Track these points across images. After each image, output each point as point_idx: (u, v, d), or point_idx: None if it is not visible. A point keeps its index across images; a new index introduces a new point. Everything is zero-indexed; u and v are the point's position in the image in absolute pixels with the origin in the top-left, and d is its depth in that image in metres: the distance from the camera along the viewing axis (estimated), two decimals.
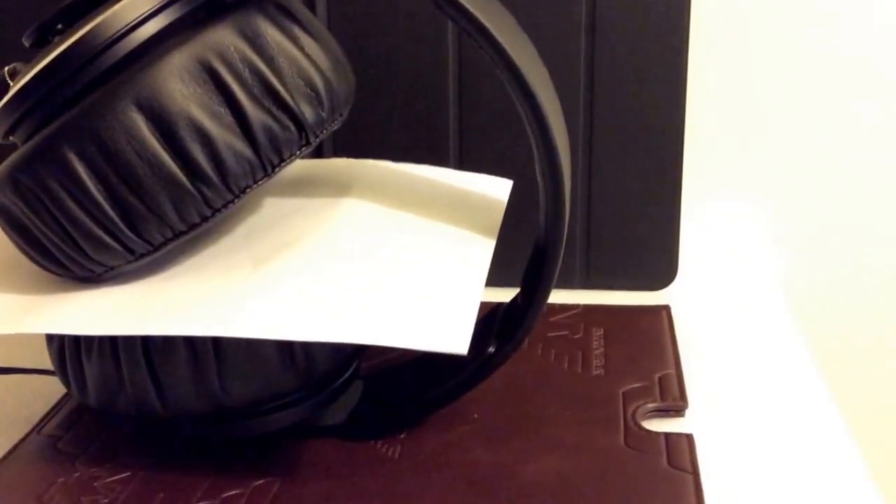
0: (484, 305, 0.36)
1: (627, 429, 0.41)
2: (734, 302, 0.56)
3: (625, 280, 0.58)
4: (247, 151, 0.35)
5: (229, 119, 0.35)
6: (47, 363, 0.40)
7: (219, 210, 0.36)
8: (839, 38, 0.61)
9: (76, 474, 0.39)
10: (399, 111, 0.56)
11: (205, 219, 0.36)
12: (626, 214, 0.57)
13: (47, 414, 0.44)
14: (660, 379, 0.45)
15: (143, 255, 0.36)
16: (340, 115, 0.38)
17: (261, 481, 0.38)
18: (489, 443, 0.40)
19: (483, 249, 0.38)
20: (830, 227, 0.65)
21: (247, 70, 0.35)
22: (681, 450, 0.39)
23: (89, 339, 0.38)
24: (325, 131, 0.37)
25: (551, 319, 0.52)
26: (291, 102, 0.35)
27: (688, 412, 0.43)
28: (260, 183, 0.36)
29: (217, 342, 0.37)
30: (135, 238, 0.35)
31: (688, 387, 0.44)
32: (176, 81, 0.34)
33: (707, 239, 0.64)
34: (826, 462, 0.40)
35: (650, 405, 0.43)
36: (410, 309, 0.35)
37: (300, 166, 0.44)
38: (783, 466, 0.40)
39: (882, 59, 0.61)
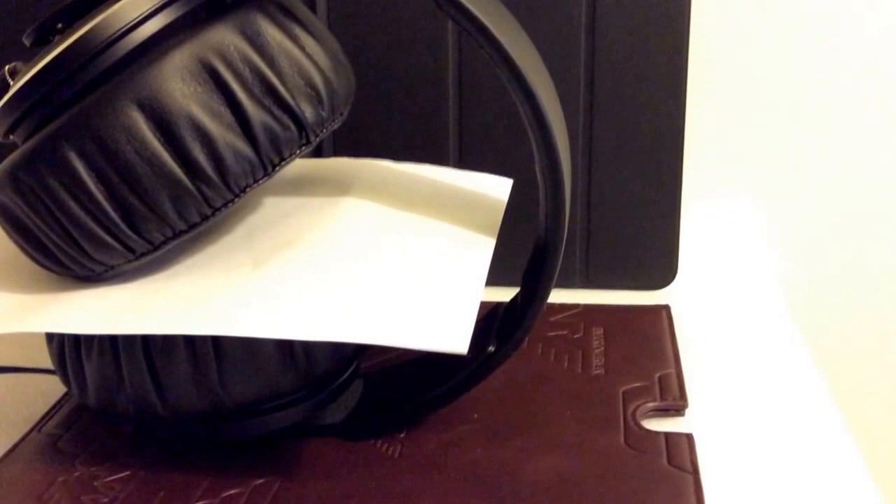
0: (484, 305, 0.36)
1: (627, 428, 0.41)
2: (734, 301, 0.56)
3: (625, 280, 0.58)
4: (247, 151, 0.35)
5: (229, 118, 0.35)
6: (47, 362, 0.41)
7: (219, 209, 0.36)
8: (839, 38, 0.61)
9: (76, 473, 0.39)
10: (399, 111, 0.56)
11: (205, 218, 0.36)
12: (625, 214, 0.57)
13: (47, 413, 0.44)
14: (660, 378, 0.45)
15: (143, 255, 0.36)
16: (341, 115, 0.38)
17: (261, 480, 0.38)
18: (489, 442, 0.40)
19: (483, 249, 0.38)
20: (830, 226, 0.65)
21: (247, 69, 0.35)
22: (681, 449, 0.39)
23: (89, 338, 0.38)
24: (325, 130, 0.37)
25: (551, 319, 0.52)
26: (292, 102, 0.36)
27: (688, 412, 0.43)
28: (260, 182, 0.36)
29: (217, 341, 0.37)
30: (135, 237, 0.35)
31: (688, 386, 0.44)
32: (176, 81, 0.34)
33: (707, 239, 0.64)
34: (826, 461, 0.40)
35: (650, 405, 0.43)
36: (411, 308, 0.35)
37: (300, 166, 0.44)
38: (783, 466, 0.40)
39: (881, 58, 0.61)
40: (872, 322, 0.66)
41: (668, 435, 0.40)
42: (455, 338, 0.33)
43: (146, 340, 0.37)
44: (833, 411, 0.44)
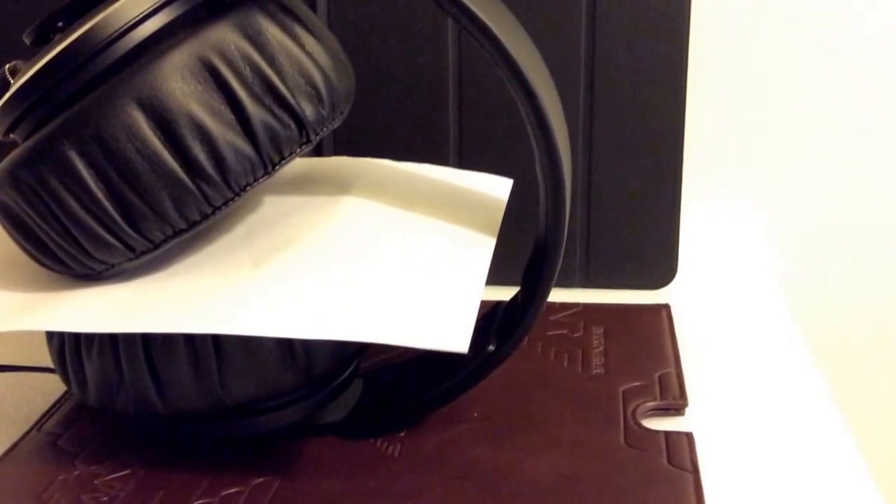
0: (484, 304, 0.36)
1: (627, 427, 0.41)
2: (734, 301, 0.56)
3: (625, 279, 0.58)
4: (247, 149, 0.35)
5: (230, 117, 0.35)
6: (47, 361, 0.40)
7: (219, 208, 0.36)
8: (838, 38, 0.61)
9: (76, 472, 0.39)
10: (399, 110, 0.56)
11: (205, 217, 0.36)
12: (625, 213, 0.57)
13: (47, 412, 0.44)
14: (660, 377, 0.45)
15: (143, 253, 0.36)
16: (341, 114, 0.38)
17: (261, 479, 0.38)
18: (489, 441, 0.40)
19: (483, 248, 0.38)
20: (829, 225, 0.65)
21: (247, 68, 0.35)
22: (681, 448, 0.39)
23: (89, 337, 0.38)
24: (325, 129, 0.37)
25: (551, 318, 0.52)
26: (292, 100, 0.36)
27: (688, 411, 0.43)
28: (260, 181, 0.36)
29: (217, 340, 0.37)
30: (135, 236, 0.35)
31: (688, 385, 0.44)
32: (177, 79, 0.34)
33: (707, 238, 0.64)
34: (825, 460, 0.40)
35: (650, 404, 0.43)
36: (411, 307, 0.35)
37: (300, 165, 0.44)
38: (783, 465, 0.40)
39: (881, 59, 0.61)
40: (872, 321, 0.66)
41: (668, 434, 0.40)
42: (455, 336, 0.33)
43: (146, 339, 0.37)
44: (833, 410, 0.44)
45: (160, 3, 0.35)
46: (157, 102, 0.34)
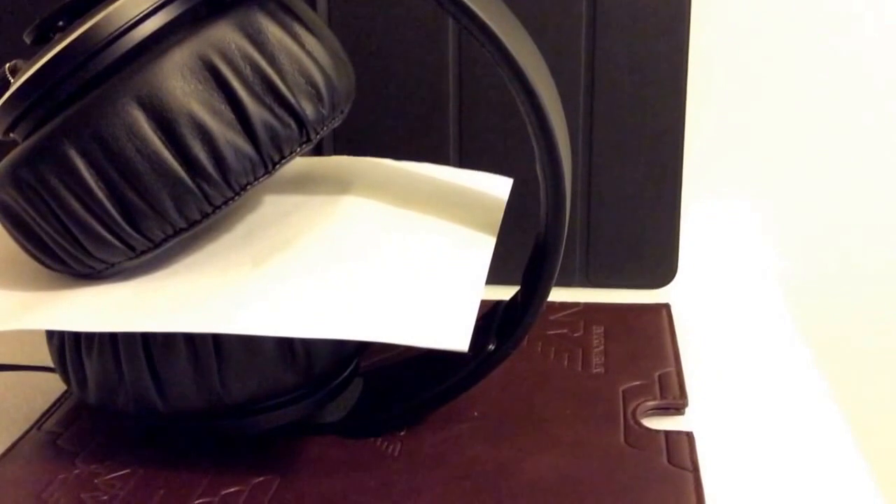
0: (484, 303, 0.36)
1: (627, 427, 0.41)
2: (734, 300, 0.57)
3: (625, 278, 0.58)
4: (247, 148, 0.35)
5: (230, 116, 0.35)
6: (47, 360, 0.41)
7: (219, 207, 0.36)
8: (838, 38, 0.61)
9: (76, 471, 0.39)
10: (399, 110, 0.56)
11: (205, 216, 0.36)
12: (626, 213, 0.57)
13: (47, 411, 0.44)
14: (660, 377, 0.45)
15: (143, 252, 0.36)
16: (341, 113, 0.38)
17: (261, 479, 0.38)
18: (489, 440, 0.40)
19: (483, 247, 0.38)
20: (829, 225, 0.65)
21: (248, 67, 0.35)
22: (681, 448, 0.39)
23: (89, 336, 0.38)
24: (325, 128, 0.37)
25: (551, 317, 0.52)
26: (292, 99, 0.36)
27: (688, 410, 0.43)
28: (260, 180, 0.36)
29: (217, 339, 0.37)
30: (135, 235, 0.35)
31: (688, 385, 0.44)
32: (177, 78, 0.34)
33: (707, 237, 0.64)
34: (825, 459, 0.40)
35: (650, 403, 0.43)
36: (411, 306, 0.35)
37: (300, 164, 0.44)
38: (783, 464, 0.40)
39: (881, 59, 0.61)
40: (872, 321, 0.66)
41: (668, 433, 0.40)
42: (456, 335, 0.33)
43: (146, 338, 0.37)
44: (832, 410, 0.44)
45: (160, 2, 0.35)
46: (158, 101, 0.34)
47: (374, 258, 0.37)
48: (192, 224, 0.36)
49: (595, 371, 0.46)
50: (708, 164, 0.63)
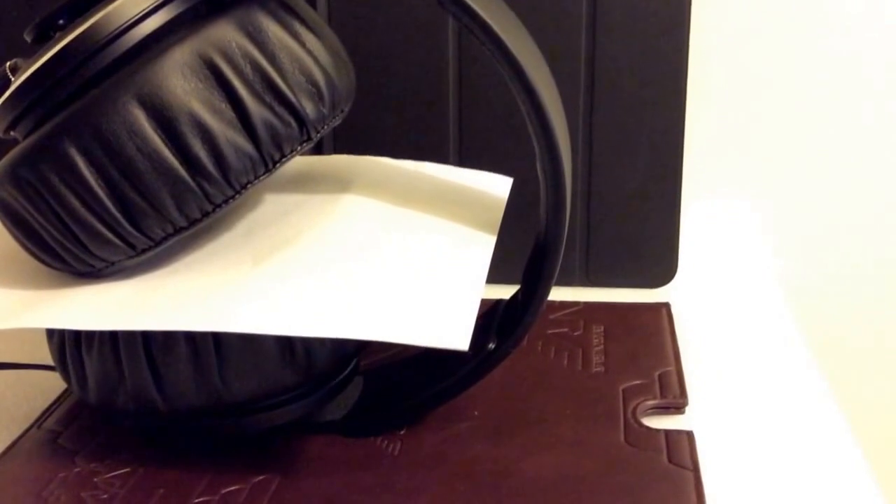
0: (484, 302, 0.36)
1: (627, 426, 0.41)
2: (734, 299, 0.57)
3: (625, 278, 0.58)
4: (248, 147, 0.35)
5: (230, 114, 0.35)
6: (47, 358, 0.41)
7: (219, 205, 0.36)
8: (838, 39, 0.61)
9: (76, 470, 0.39)
10: (399, 108, 0.56)
11: (205, 214, 0.36)
12: (626, 212, 0.57)
13: (47, 409, 0.44)
14: (660, 376, 0.45)
15: (143, 251, 0.36)
16: (341, 111, 0.38)
17: (261, 477, 0.38)
18: (489, 439, 0.40)
19: (483, 246, 0.38)
20: (829, 224, 0.65)
21: (248, 65, 0.35)
22: (681, 447, 0.39)
23: (90, 335, 0.38)
24: (325, 127, 0.37)
25: (551, 317, 0.52)
26: (292, 98, 0.36)
27: (688, 409, 0.43)
28: (261, 178, 0.36)
29: (217, 338, 0.37)
30: (135, 233, 0.35)
31: (688, 384, 0.44)
32: (177, 77, 0.34)
33: (707, 236, 0.64)
34: (825, 458, 0.40)
35: (650, 402, 0.43)
36: (411, 305, 0.35)
37: (300, 163, 0.44)
38: (783, 463, 0.40)
39: (881, 59, 0.61)
40: (872, 321, 0.66)
41: (668, 432, 0.40)
42: (456, 334, 0.33)
43: (146, 337, 0.37)
44: (832, 409, 0.44)
45: (161, 0, 0.35)
46: (158, 100, 0.34)
47: (375, 257, 0.37)
48: (193, 223, 0.36)
49: (595, 370, 0.46)
50: (708, 164, 0.64)
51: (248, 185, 0.36)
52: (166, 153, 0.34)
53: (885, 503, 0.37)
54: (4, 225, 0.37)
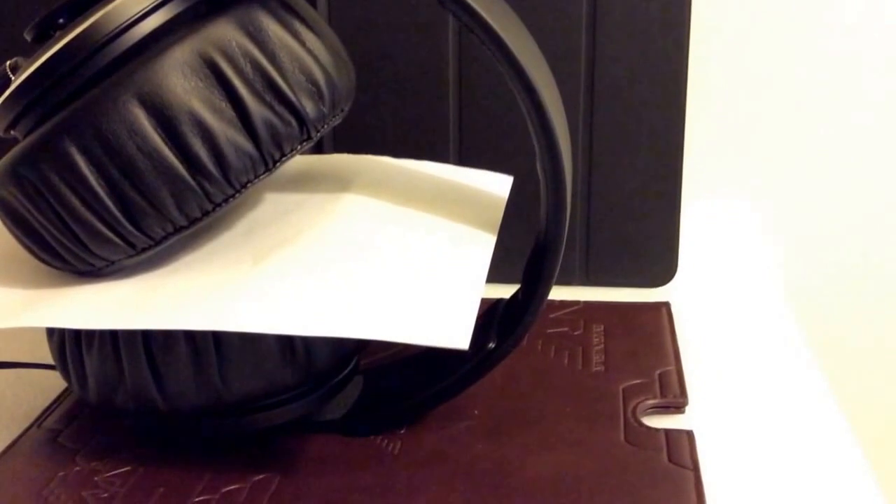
0: (484, 301, 0.36)
1: (627, 425, 0.41)
2: (734, 298, 0.57)
3: (625, 277, 0.58)
4: (248, 146, 0.35)
5: (230, 113, 0.35)
6: (48, 357, 0.41)
7: (219, 205, 0.36)
8: (838, 38, 0.61)
9: (76, 468, 0.39)
10: (399, 108, 0.56)
11: (205, 213, 0.36)
12: (626, 212, 0.57)
13: (47, 408, 0.44)
14: (660, 375, 0.45)
15: (143, 250, 0.36)
16: (341, 111, 0.38)
17: (261, 476, 0.38)
18: (489, 438, 0.40)
19: (484, 245, 0.38)
20: (829, 224, 0.65)
21: (248, 65, 0.35)
22: (681, 446, 0.39)
23: (90, 334, 0.38)
24: (325, 126, 0.37)
25: (551, 316, 0.52)
26: (293, 97, 0.36)
27: (688, 409, 0.43)
28: (261, 178, 0.36)
29: (217, 337, 0.37)
30: (135, 232, 0.35)
31: (688, 383, 0.44)
32: (177, 76, 0.34)
33: (707, 236, 0.64)
34: (826, 458, 0.40)
35: (650, 402, 0.43)
36: (411, 304, 0.35)
37: (300, 162, 0.44)
38: (783, 462, 0.40)
39: (881, 59, 0.61)
40: (872, 320, 0.66)
41: (668, 432, 0.40)
42: (456, 333, 0.33)
43: (146, 336, 0.37)
44: (832, 408, 0.44)
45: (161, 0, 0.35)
46: (158, 99, 0.34)
47: (375, 256, 0.37)
48: (193, 222, 0.36)
49: (595, 369, 0.46)
50: (708, 164, 0.64)
51: (248, 185, 0.36)
52: (166, 152, 0.34)
53: (885, 503, 0.37)
54: (5, 224, 0.37)
